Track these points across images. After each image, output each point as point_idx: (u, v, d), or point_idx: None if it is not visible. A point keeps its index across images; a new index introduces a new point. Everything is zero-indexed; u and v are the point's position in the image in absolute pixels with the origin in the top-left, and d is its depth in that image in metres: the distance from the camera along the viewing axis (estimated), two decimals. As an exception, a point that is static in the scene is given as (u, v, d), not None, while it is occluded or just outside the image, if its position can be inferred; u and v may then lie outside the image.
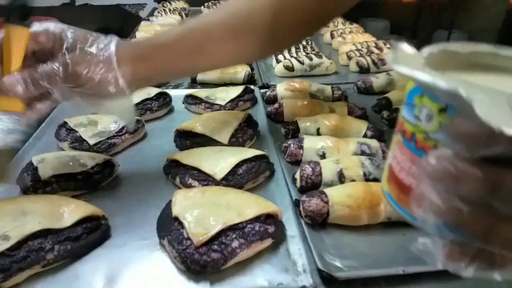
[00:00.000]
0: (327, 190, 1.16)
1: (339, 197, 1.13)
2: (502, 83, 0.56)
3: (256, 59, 2.23)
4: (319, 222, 1.13)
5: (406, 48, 0.58)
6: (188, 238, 0.99)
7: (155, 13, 3.54)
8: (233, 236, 1.00)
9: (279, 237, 1.08)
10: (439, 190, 0.47)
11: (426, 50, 0.59)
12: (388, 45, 2.54)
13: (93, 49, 1.09)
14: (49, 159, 1.31)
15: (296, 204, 1.19)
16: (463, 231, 0.49)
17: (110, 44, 1.11)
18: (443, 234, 0.51)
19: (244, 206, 1.07)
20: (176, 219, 1.05)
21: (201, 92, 1.85)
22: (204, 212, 1.04)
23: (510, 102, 0.43)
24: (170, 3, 3.98)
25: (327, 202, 1.12)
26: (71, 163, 1.29)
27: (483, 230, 0.47)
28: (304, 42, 2.63)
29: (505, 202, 0.45)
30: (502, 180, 0.44)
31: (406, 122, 0.56)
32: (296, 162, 1.41)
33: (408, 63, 0.52)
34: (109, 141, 1.49)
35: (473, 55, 0.60)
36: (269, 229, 1.04)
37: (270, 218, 1.07)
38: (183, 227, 1.02)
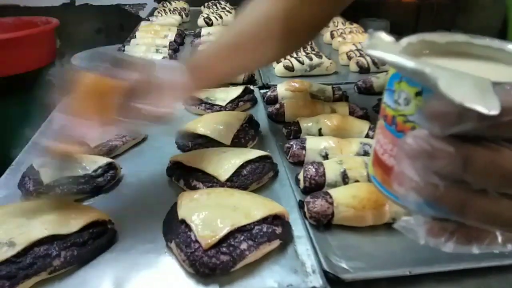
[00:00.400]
0: (332, 191, 1.16)
1: (344, 198, 1.13)
2: (475, 68, 0.60)
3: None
4: (324, 223, 1.13)
5: (384, 36, 0.60)
6: (196, 241, 0.98)
7: (155, 13, 3.54)
8: (241, 238, 0.99)
9: (287, 238, 1.08)
10: (417, 167, 0.50)
11: (405, 40, 0.61)
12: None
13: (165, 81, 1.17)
14: (50, 163, 1.28)
15: (301, 205, 1.19)
16: (440, 206, 0.51)
17: (177, 72, 1.19)
18: (424, 211, 0.53)
19: (251, 207, 1.06)
20: (183, 221, 1.04)
21: (200, 93, 1.84)
22: (211, 214, 1.03)
23: (476, 82, 0.46)
24: (170, 3, 3.97)
25: (331, 203, 1.12)
26: (73, 167, 1.28)
27: (458, 204, 0.50)
28: (304, 42, 2.62)
29: (476, 176, 0.49)
30: (473, 156, 0.47)
31: (387, 107, 0.58)
32: (298, 162, 1.40)
33: (384, 50, 0.54)
34: (110, 143, 1.48)
35: (450, 45, 0.63)
36: (276, 230, 1.04)
37: (277, 219, 1.07)
38: (190, 229, 1.01)
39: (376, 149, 0.63)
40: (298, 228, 1.12)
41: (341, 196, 1.14)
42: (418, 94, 0.52)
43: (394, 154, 0.58)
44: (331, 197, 1.13)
